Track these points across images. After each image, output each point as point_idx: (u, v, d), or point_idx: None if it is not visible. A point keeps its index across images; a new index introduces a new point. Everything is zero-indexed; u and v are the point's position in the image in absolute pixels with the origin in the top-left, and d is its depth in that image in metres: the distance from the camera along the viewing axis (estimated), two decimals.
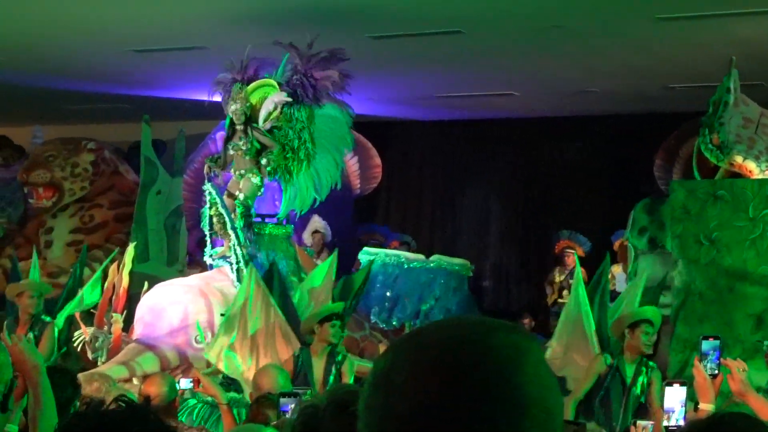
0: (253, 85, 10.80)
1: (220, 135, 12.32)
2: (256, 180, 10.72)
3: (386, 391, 1.48)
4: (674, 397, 5.03)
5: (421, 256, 12.15)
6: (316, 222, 14.78)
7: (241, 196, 10.67)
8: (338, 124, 11.14)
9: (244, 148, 10.65)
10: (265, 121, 10.68)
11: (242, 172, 10.72)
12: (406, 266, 11.74)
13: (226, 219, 10.50)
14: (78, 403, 5.29)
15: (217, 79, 10.98)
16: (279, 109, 10.66)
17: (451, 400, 1.44)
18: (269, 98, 10.70)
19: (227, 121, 10.95)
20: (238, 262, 10.47)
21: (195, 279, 11.03)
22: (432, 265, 11.87)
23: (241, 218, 10.55)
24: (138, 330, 10.40)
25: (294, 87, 10.73)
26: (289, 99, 10.62)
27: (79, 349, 10.94)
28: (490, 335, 1.49)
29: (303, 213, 11.52)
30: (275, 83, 10.78)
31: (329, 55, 10.81)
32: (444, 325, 1.57)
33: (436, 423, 1.44)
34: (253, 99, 10.73)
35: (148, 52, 12.56)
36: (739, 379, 4.76)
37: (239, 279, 10.43)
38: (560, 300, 15.60)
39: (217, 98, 11.07)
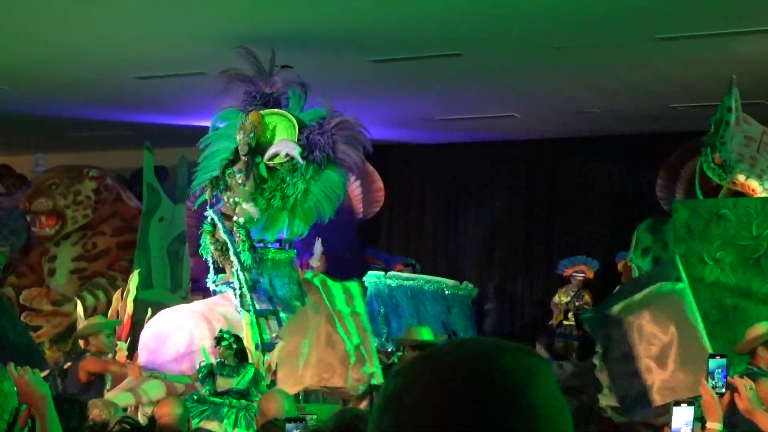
0: (269, 111, 10.79)
1: None
2: (258, 207, 10.75)
3: (397, 411, 1.46)
4: (681, 416, 5.00)
5: (422, 278, 12.16)
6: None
7: (241, 221, 10.68)
8: (334, 187, 11.07)
9: (240, 180, 10.67)
10: (269, 160, 10.67)
11: (237, 200, 10.72)
12: (408, 286, 11.74)
13: (229, 244, 10.51)
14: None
15: (238, 72, 10.92)
16: (286, 159, 10.65)
17: (461, 419, 1.42)
18: (283, 141, 10.66)
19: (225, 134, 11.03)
20: (241, 288, 10.46)
21: (199, 305, 11.02)
22: (434, 287, 11.87)
23: (244, 242, 10.56)
24: (143, 357, 10.38)
25: (313, 145, 10.70)
26: (301, 161, 10.59)
27: None
28: (501, 355, 1.48)
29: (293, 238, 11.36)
30: (293, 121, 10.74)
31: (356, 136, 10.85)
32: (455, 345, 1.55)
33: None
34: (269, 122, 10.70)
35: (149, 78, 12.58)
36: (746, 397, 4.74)
37: (242, 304, 10.43)
38: (565, 322, 15.58)
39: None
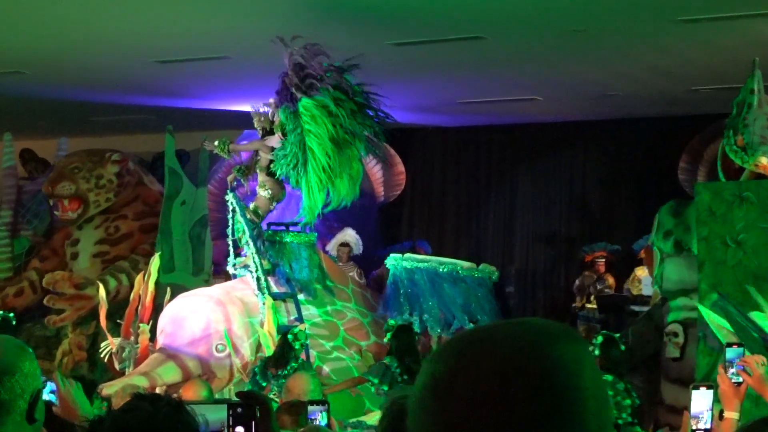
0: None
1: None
2: (265, 193, 10.79)
3: (445, 396, 1.47)
4: (701, 400, 4.98)
5: (436, 259, 12.16)
6: (348, 235, 14.52)
7: (252, 207, 10.76)
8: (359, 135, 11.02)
9: (255, 160, 10.82)
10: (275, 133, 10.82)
11: (260, 184, 10.88)
12: (423, 268, 11.72)
13: (246, 228, 10.56)
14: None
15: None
16: (275, 118, 10.75)
17: (512, 409, 1.44)
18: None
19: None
20: (257, 271, 10.51)
21: (216, 289, 11.07)
22: (457, 271, 11.85)
23: (252, 228, 10.62)
24: (160, 340, 10.45)
25: (278, 93, 10.75)
26: (267, 108, 10.72)
27: (106, 359, 10.99)
28: (553, 343, 1.49)
29: (310, 220, 11.17)
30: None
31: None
32: (506, 329, 1.55)
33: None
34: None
35: (171, 62, 12.60)
36: (758, 374, 4.72)
37: (259, 288, 10.46)
38: (588, 305, 15.60)
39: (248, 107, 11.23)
